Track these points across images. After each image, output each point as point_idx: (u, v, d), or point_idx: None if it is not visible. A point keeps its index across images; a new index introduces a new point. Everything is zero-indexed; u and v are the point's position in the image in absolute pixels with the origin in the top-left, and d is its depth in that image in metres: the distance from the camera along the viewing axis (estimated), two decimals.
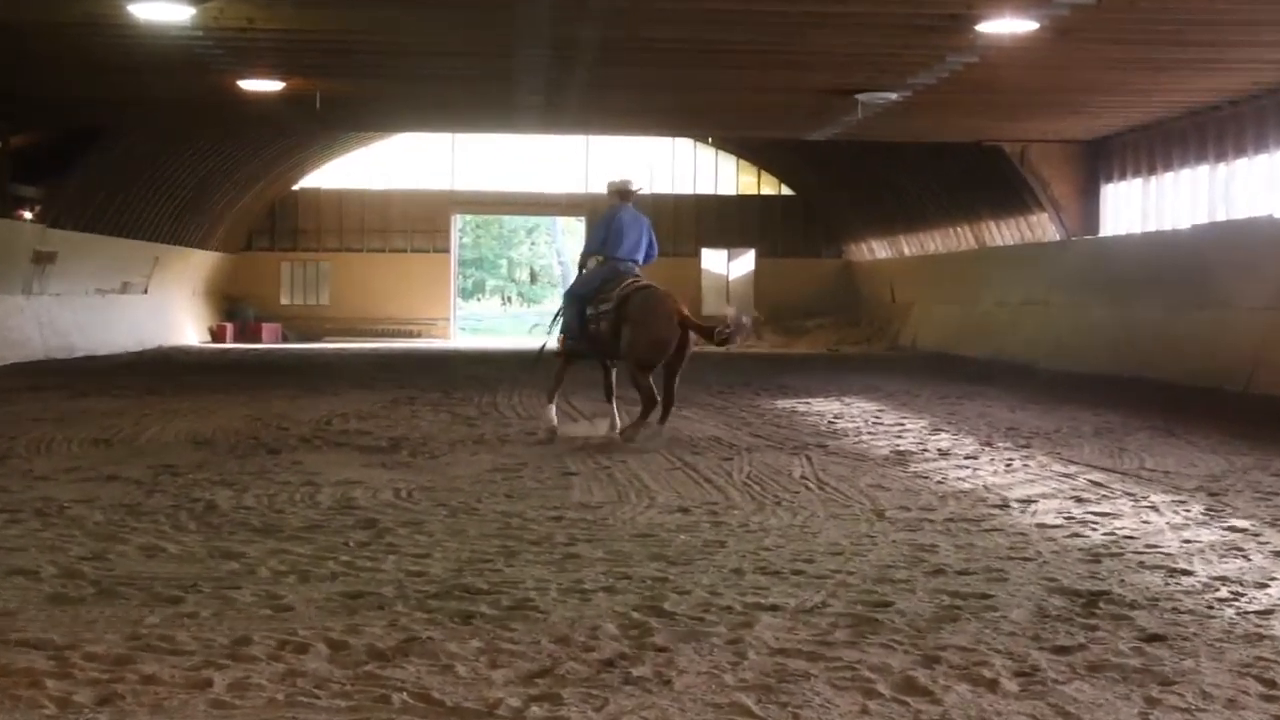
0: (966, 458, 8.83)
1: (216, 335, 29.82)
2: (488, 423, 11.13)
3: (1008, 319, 22.52)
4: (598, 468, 8.20)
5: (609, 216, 9.81)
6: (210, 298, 31.25)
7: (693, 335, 9.27)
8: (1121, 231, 20.40)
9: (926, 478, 7.82)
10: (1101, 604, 4.50)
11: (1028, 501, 6.85)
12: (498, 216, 48.33)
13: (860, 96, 16.46)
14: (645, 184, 10.51)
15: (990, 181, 22.74)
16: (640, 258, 9.83)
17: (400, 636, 3.98)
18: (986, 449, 9.32)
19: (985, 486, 7.45)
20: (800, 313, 32.70)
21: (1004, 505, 6.74)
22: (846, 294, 33.13)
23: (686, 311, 9.35)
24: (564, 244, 55.66)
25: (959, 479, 7.77)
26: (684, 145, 33.28)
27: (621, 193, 9.93)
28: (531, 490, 7.20)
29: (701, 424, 11.20)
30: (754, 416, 11.99)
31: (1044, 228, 22.18)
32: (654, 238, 9.95)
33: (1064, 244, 21.33)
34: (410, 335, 32.60)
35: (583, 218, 35.13)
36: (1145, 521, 6.23)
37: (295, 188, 32.97)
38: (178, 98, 17.57)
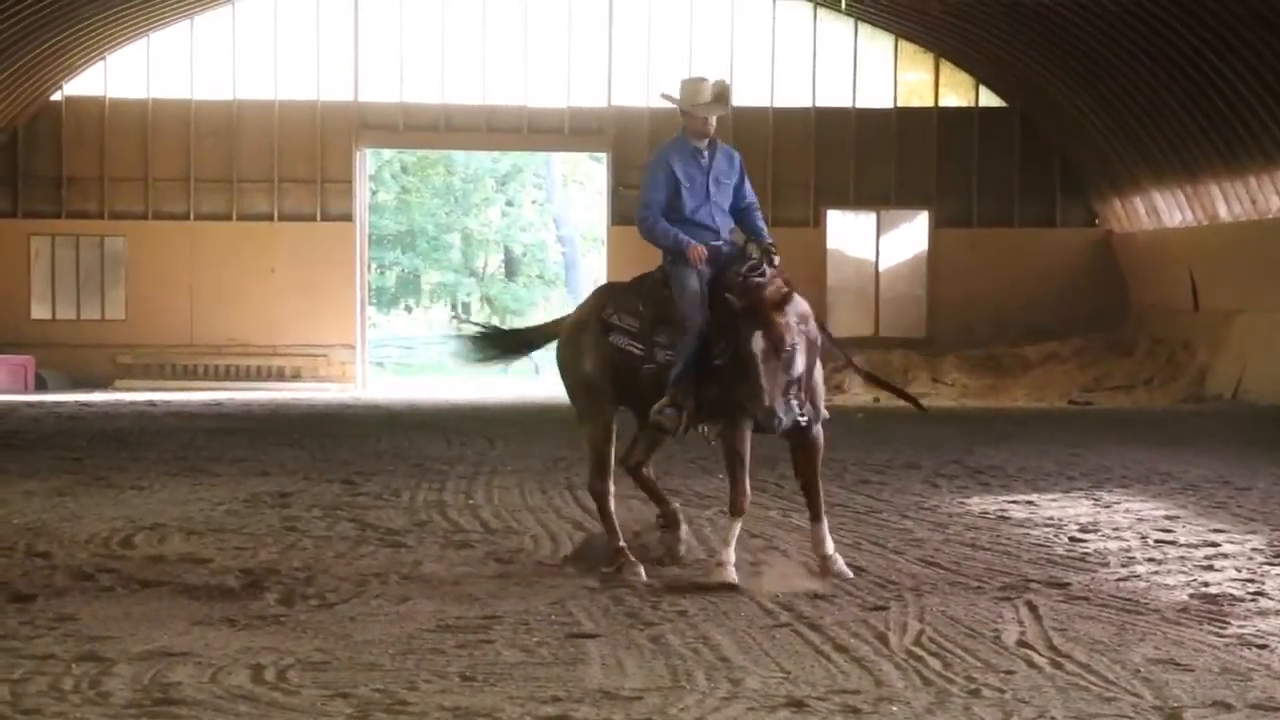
0: None
1: None
2: (427, 540, 11.20)
3: None
4: (634, 624, 8.26)
5: (667, 156, 10.09)
6: None
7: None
8: None
9: (1264, 646, 7.79)
10: None
11: None
12: (442, 153, 48.76)
13: None
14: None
15: None
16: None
17: None
18: None
19: None
20: (1017, 331, 32.67)
21: None
22: (1105, 294, 33.06)
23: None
24: (567, 204, 56.04)
25: None
26: (793, 12, 33.52)
27: (696, 104, 10.04)
28: (511, 667, 7.26)
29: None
30: (928, 526, 11.98)
31: None
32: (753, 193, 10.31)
33: None
34: (282, 377, 32.91)
35: (603, 154, 35.37)
36: None
37: (57, 95, 33.49)
38: None
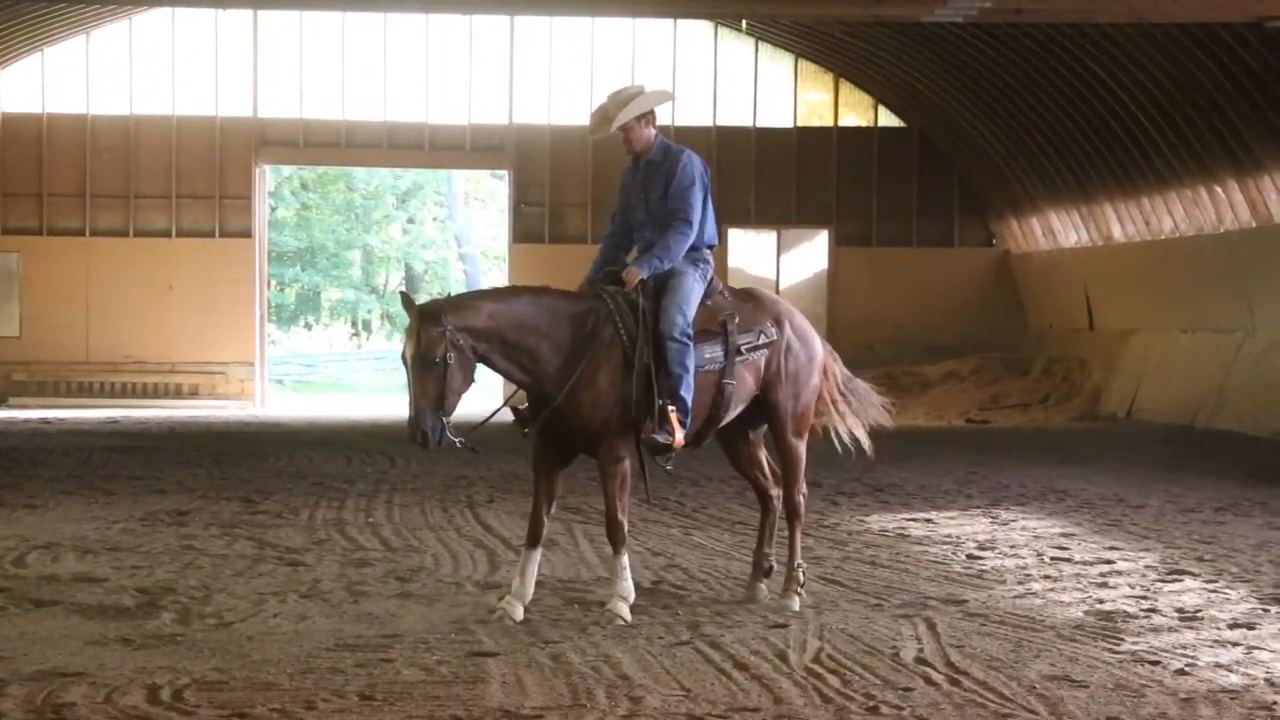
0: (1233, 625, 8.93)
1: None
2: (327, 558, 11.18)
3: None
4: (534, 642, 8.27)
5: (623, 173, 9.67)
6: None
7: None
8: None
9: (1157, 662, 7.89)
10: None
11: None
12: (342, 170, 48.59)
13: None
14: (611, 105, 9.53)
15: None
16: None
17: None
18: (1274, 609, 9.42)
19: (1272, 682, 7.53)
20: (916, 350, 32.93)
21: None
22: (1002, 314, 33.39)
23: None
24: (469, 222, 55.98)
25: (1220, 667, 7.84)
26: (695, 34, 33.66)
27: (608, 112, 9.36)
28: (411, 686, 7.26)
29: (730, 558, 11.26)
30: (828, 544, 12.04)
31: None
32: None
33: None
34: (180, 395, 32.64)
35: (504, 172, 35.34)
36: None
37: None
38: None
